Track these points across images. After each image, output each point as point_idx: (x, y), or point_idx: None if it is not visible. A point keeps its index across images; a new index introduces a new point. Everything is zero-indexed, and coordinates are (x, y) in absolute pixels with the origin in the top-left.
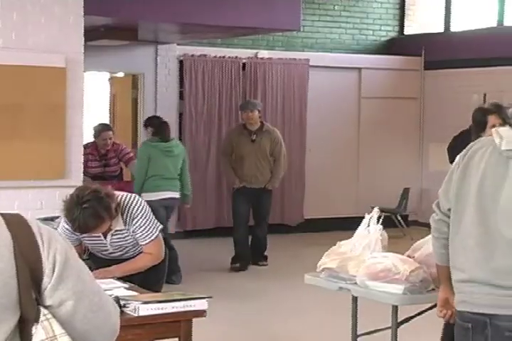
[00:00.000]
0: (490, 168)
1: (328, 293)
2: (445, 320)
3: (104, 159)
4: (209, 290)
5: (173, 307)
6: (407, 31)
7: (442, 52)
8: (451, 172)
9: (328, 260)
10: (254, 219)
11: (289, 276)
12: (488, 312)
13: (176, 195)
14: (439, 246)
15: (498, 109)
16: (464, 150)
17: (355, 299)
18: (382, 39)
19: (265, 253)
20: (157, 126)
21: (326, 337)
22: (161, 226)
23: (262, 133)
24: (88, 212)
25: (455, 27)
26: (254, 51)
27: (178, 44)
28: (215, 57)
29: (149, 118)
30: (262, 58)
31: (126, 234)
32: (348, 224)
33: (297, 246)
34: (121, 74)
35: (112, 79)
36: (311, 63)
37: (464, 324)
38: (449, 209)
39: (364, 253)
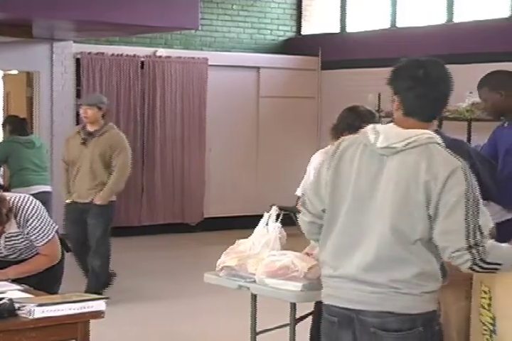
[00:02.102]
0: (363, 167)
1: (228, 292)
2: None
3: None
4: (107, 290)
5: (70, 309)
6: (304, 31)
7: (338, 52)
8: (318, 172)
9: (228, 258)
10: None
11: (189, 275)
12: (354, 307)
13: (48, 188)
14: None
15: (372, 119)
16: (331, 150)
17: (254, 297)
18: (280, 39)
19: (101, 293)
20: (15, 123)
21: (226, 336)
22: (56, 227)
23: (100, 135)
24: None
25: (351, 28)
26: (153, 49)
27: (74, 41)
28: (113, 55)
29: (7, 117)
30: (160, 57)
31: (20, 237)
32: (248, 223)
33: (197, 245)
34: (15, 72)
35: (5, 77)
36: (209, 62)
37: (331, 318)
38: (323, 210)
39: (263, 252)
